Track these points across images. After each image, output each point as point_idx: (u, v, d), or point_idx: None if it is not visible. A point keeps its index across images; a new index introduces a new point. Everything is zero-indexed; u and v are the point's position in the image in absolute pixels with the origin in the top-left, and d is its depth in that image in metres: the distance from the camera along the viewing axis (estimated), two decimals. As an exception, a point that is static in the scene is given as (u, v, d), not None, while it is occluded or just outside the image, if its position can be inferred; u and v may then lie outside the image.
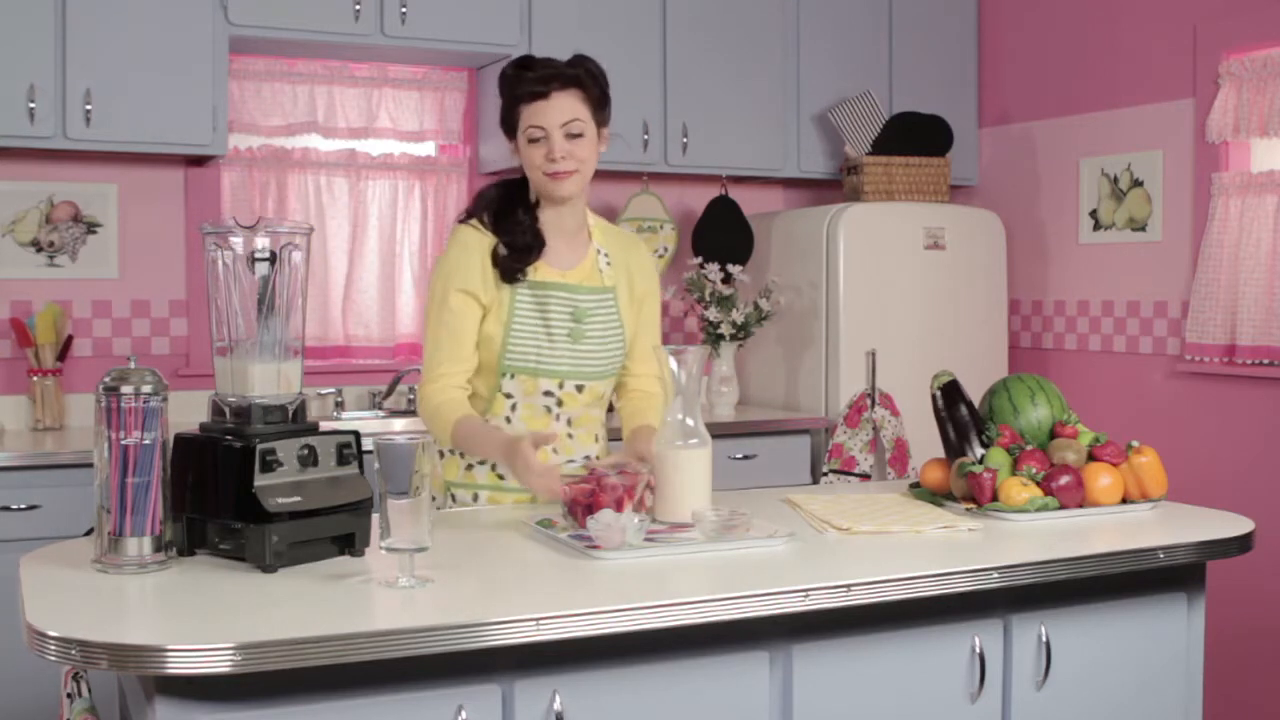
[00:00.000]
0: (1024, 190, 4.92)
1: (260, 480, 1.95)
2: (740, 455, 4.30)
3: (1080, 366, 4.70)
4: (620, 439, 2.71)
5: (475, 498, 2.61)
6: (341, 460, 2.08)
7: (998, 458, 2.49)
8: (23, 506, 3.44)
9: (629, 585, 1.92)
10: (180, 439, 2.02)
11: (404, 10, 4.08)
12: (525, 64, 2.55)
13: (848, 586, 1.95)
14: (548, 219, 2.59)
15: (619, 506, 2.23)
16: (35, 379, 3.97)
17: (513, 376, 2.55)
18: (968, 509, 2.47)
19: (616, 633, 1.80)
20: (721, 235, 4.67)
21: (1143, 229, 4.45)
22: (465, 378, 2.56)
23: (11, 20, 3.67)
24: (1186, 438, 4.23)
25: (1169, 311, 4.37)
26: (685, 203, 4.93)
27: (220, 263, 2.04)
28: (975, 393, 2.67)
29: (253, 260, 2.03)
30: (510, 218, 2.57)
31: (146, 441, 1.93)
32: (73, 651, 1.62)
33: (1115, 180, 4.55)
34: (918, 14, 4.95)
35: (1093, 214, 4.64)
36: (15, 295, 4.05)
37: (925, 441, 3.88)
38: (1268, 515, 3.62)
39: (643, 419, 2.63)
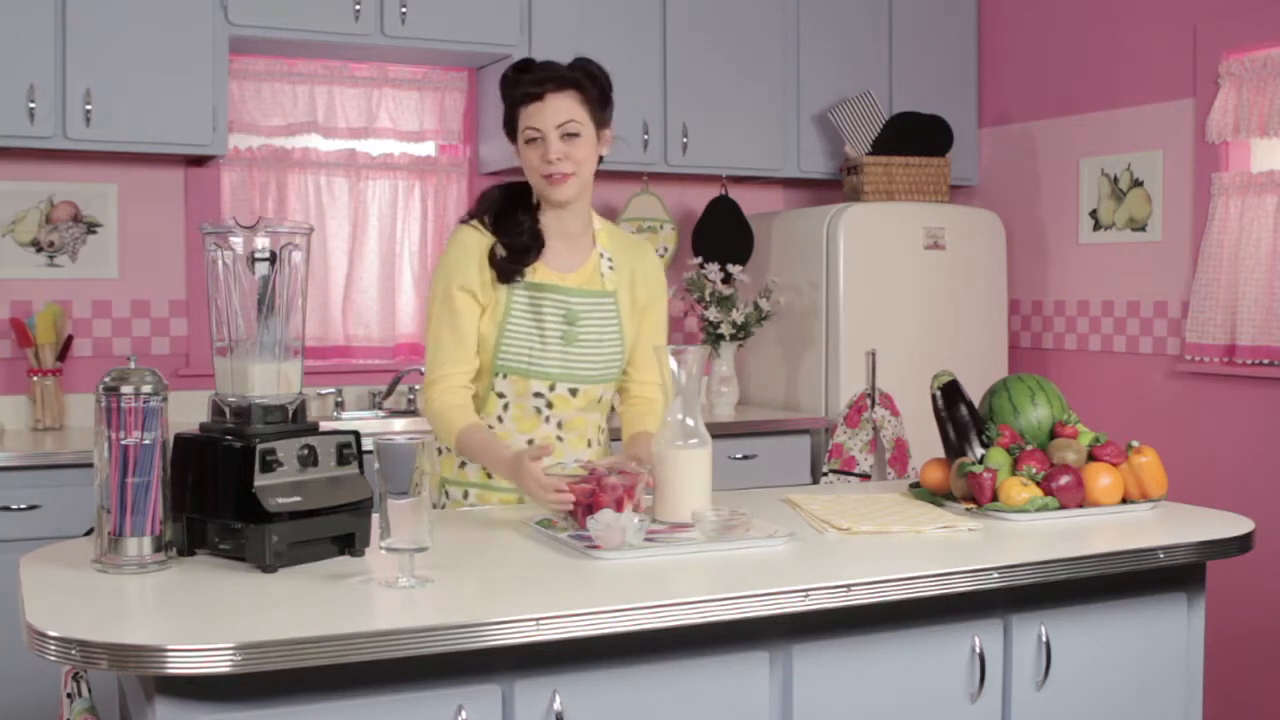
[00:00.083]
0: (1024, 190, 4.92)
1: (260, 480, 1.95)
2: (740, 455, 4.30)
3: (1080, 366, 4.70)
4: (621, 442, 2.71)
5: (465, 495, 2.63)
6: (341, 460, 2.08)
7: (998, 458, 2.49)
8: (23, 506, 3.44)
9: (629, 585, 1.92)
10: (180, 439, 2.02)
11: (404, 10, 4.08)
12: (523, 67, 2.55)
13: (848, 586, 1.95)
14: (549, 221, 2.59)
15: (619, 506, 2.23)
16: (35, 379, 3.97)
17: (505, 376, 2.56)
18: (968, 509, 2.47)
19: (616, 633, 1.80)
20: (721, 235, 4.67)
21: (1143, 229, 4.45)
22: (468, 378, 2.57)
23: (11, 20, 3.67)
24: (1186, 438, 4.23)
25: (1169, 311, 4.37)
26: (685, 203, 4.93)
27: (220, 263, 2.04)
28: (975, 393, 2.67)
29: (253, 260, 2.03)
30: (511, 219, 2.57)
31: (146, 441, 1.93)
32: (73, 651, 1.62)
33: (1115, 180, 4.55)
34: (918, 14, 4.95)
35: (1093, 214, 4.64)
36: (15, 295, 4.05)
37: (925, 441, 3.88)
38: (1268, 515, 3.62)
39: (641, 425, 2.63)
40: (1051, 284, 4.82)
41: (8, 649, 3.21)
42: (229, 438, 1.99)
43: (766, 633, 2.00)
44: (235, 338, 2.05)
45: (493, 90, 4.46)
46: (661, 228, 4.73)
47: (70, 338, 4.06)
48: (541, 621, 1.75)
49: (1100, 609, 2.28)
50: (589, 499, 2.24)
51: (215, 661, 1.59)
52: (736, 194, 4.82)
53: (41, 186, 4.07)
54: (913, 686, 2.11)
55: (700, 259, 4.62)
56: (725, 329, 4.54)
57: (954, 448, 2.60)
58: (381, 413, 4.43)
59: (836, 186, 4.92)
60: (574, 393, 2.57)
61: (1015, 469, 2.48)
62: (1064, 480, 2.44)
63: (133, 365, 1.96)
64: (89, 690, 2.04)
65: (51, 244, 4.09)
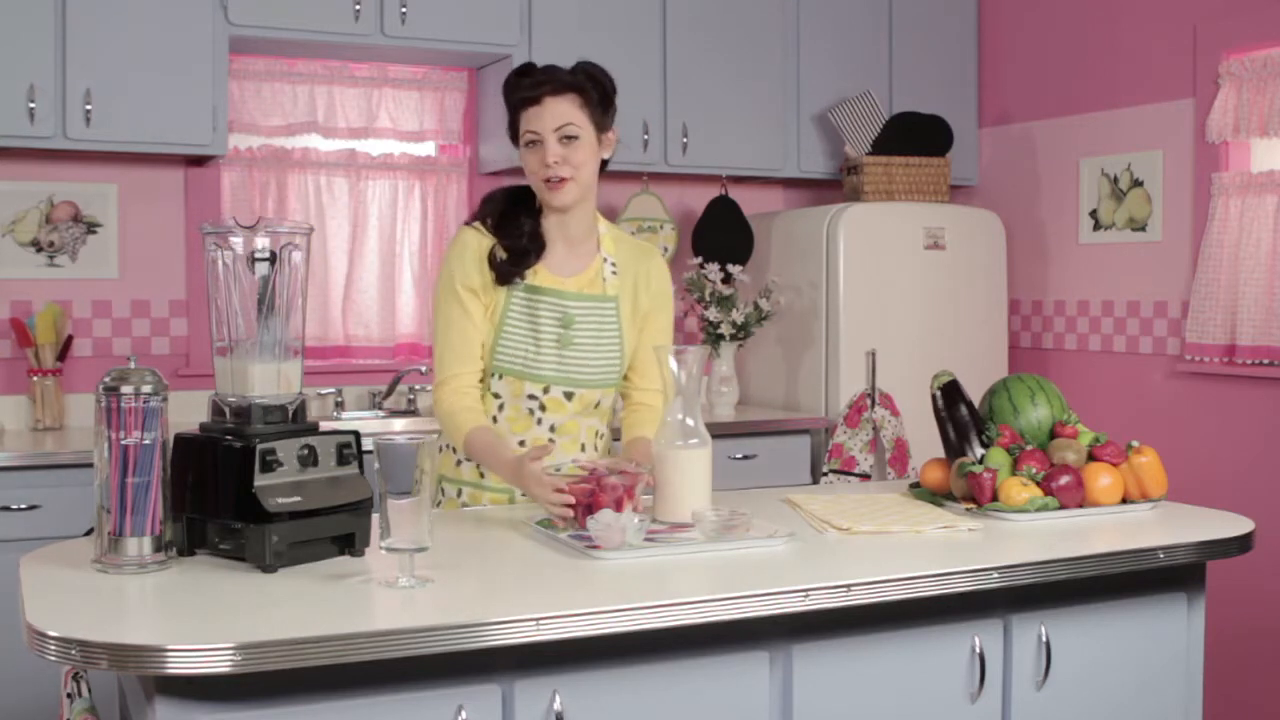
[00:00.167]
0: (1024, 190, 4.92)
1: (260, 480, 1.95)
2: (740, 455, 4.30)
3: (1080, 366, 4.70)
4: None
5: (459, 493, 2.64)
6: (341, 460, 2.08)
7: (998, 458, 2.49)
8: (23, 506, 3.44)
9: (629, 585, 1.92)
10: (180, 439, 2.02)
11: (404, 10, 4.08)
12: (523, 71, 2.56)
13: (848, 586, 1.95)
14: (551, 225, 2.60)
15: (619, 506, 2.23)
16: (35, 379, 3.97)
17: (501, 377, 2.57)
18: (968, 509, 2.47)
19: (616, 633, 1.80)
20: (721, 235, 4.67)
21: (1143, 229, 4.45)
22: (477, 378, 2.58)
23: (11, 20, 3.67)
24: (1186, 438, 4.23)
25: (1169, 311, 4.37)
26: (685, 203, 4.93)
27: (220, 263, 2.04)
28: (975, 393, 2.67)
29: (253, 260, 2.03)
30: (512, 222, 2.57)
31: (146, 441, 1.93)
32: (73, 651, 1.62)
33: (1115, 180, 4.55)
34: (918, 14, 4.95)
35: (1093, 214, 4.64)
36: (15, 295, 4.05)
37: (925, 441, 3.88)
38: (1268, 515, 3.62)
39: (640, 431, 2.63)
40: (1051, 284, 4.82)
41: (8, 649, 3.22)
42: (229, 438, 1.99)
43: (766, 633, 2.00)
44: (235, 338, 2.05)
45: (493, 90, 4.49)
46: (661, 228, 4.73)
47: (70, 338, 4.06)
48: (541, 621, 1.75)
49: (1100, 609, 2.28)
50: (589, 499, 2.25)
51: (215, 661, 1.59)
52: (736, 194, 4.82)
53: (41, 186, 4.07)
54: (913, 686, 2.11)
55: (700, 259, 4.62)
56: (725, 329, 4.54)
57: (954, 448, 2.60)
58: (381, 413, 4.43)
59: (836, 186, 4.92)
60: (569, 396, 2.57)
61: (1015, 469, 2.48)
62: (1064, 480, 2.44)
63: (133, 365, 1.96)
64: (89, 690, 2.04)
65: (51, 244, 4.09)
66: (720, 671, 1.97)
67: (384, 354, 4.56)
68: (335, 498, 2.04)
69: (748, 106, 4.66)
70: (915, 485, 2.69)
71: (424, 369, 4.43)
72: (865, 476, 4.36)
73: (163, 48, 3.83)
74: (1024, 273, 4.91)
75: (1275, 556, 3.82)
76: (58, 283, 4.10)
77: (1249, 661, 4.04)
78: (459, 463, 2.63)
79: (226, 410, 2.04)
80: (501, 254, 2.56)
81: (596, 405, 2.61)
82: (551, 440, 2.57)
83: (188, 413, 3.16)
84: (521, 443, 2.55)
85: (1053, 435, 2.60)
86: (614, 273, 2.63)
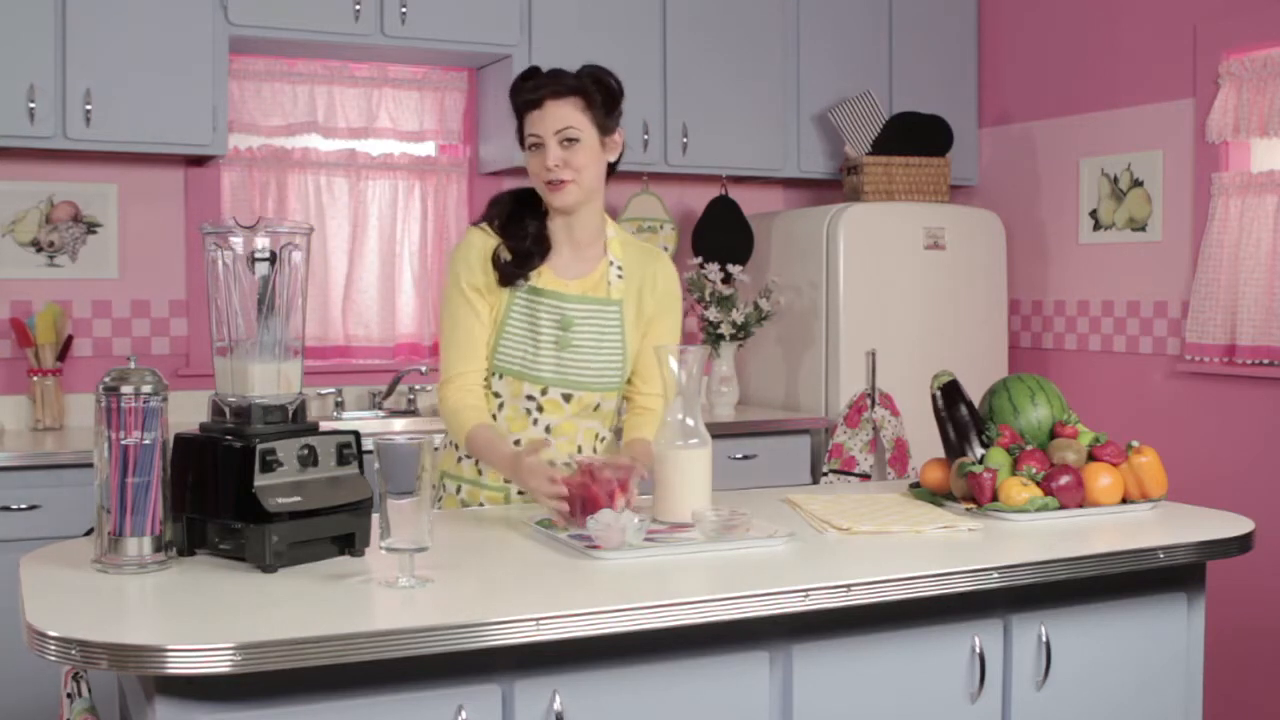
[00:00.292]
0: (1024, 190, 4.92)
1: (260, 480, 1.95)
2: (740, 455, 4.30)
3: (1080, 366, 4.70)
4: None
5: (458, 490, 2.65)
6: (341, 460, 2.08)
7: (998, 458, 2.49)
8: (23, 506, 3.44)
9: (629, 585, 1.92)
10: (180, 439, 2.02)
11: (404, 10, 4.08)
12: (527, 74, 2.57)
13: (848, 586, 1.95)
14: (557, 228, 2.61)
15: (611, 499, 2.24)
16: (35, 379, 3.97)
17: (501, 377, 2.58)
18: (968, 509, 2.47)
19: (616, 633, 1.80)
20: (721, 235, 4.67)
21: (1143, 229, 4.45)
22: (481, 376, 2.59)
23: (11, 20, 3.67)
24: (1186, 438, 4.23)
25: (1169, 311, 4.37)
26: (685, 203, 4.93)
27: (220, 263, 2.04)
28: (975, 393, 2.67)
29: (253, 260, 2.03)
30: (518, 223, 2.59)
31: (146, 441, 1.92)
32: (73, 651, 1.62)
33: (1115, 180, 4.55)
34: (918, 14, 4.95)
35: (1093, 214, 4.64)
36: (15, 295, 4.05)
37: (925, 441, 3.88)
38: (1268, 515, 3.62)
39: (640, 433, 2.64)
40: (1051, 284, 4.82)
41: (8, 649, 3.21)
42: (229, 438, 1.99)
43: (766, 633, 2.00)
44: (235, 338, 2.05)
45: (493, 90, 4.50)
46: (661, 228, 4.73)
47: (70, 338, 4.06)
48: (541, 621, 1.75)
49: (1100, 609, 2.28)
50: (582, 491, 2.25)
51: (215, 661, 1.59)
52: (736, 194, 4.82)
53: (41, 186, 4.07)
54: (913, 686, 2.11)
55: (700, 259, 4.62)
56: (725, 329, 4.54)
57: (954, 448, 2.60)
58: (381, 413, 4.43)
59: (836, 186, 4.92)
60: (567, 399, 2.57)
61: (1015, 469, 2.48)
62: (1064, 480, 2.44)
63: (133, 365, 1.96)
64: (89, 690, 2.04)
65: (51, 244, 4.09)
66: (720, 671, 1.97)
67: (384, 354, 4.56)
68: (335, 498, 2.04)
69: (748, 106, 4.66)
70: (915, 485, 2.69)
71: (424, 369, 4.43)
72: (865, 476, 4.36)
73: (163, 48, 3.83)
74: (1024, 273, 4.91)
75: (1275, 556, 3.82)
76: (58, 283, 4.10)
77: (1249, 661, 4.04)
78: (460, 460, 2.65)
79: (226, 410, 2.04)
80: (506, 255, 2.57)
81: (596, 408, 2.60)
82: (546, 442, 2.57)
83: (188, 413, 3.16)
84: (517, 442, 2.56)
85: (1053, 435, 2.60)
86: (619, 276, 2.63)
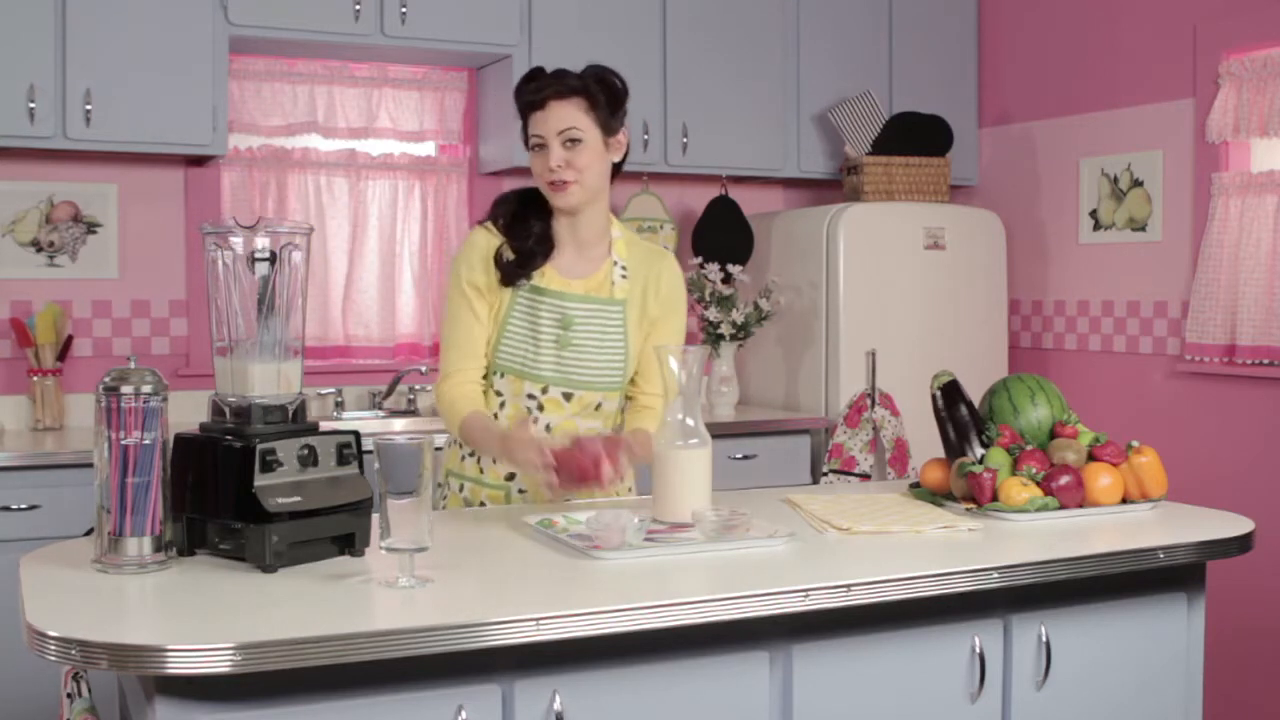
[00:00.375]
0: (1024, 190, 4.92)
1: (260, 480, 1.95)
2: (740, 455, 4.30)
3: (1080, 366, 4.70)
4: None
5: (461, 488, 2.66)
6: (341, 460, 2.08)
7: (998, 458, 2.49)
8: (23, 506, 3.44)
9: (629, 585, 1.92)
10: (180, 439, 2.02)
11: (404, 10, 4.08)
12: (531, 75, 2.58)
13: (848, 586, 1.95)
14: (561, 228, 2.62)
15: (597, 468, 2.26)
16: (35, 379, 3.97)
17: (503, 375, 2.59)
18: (968, 509, 2.47)
19: (616, 633, 1.80)
20: (721, 235, 4.67)
21: (1143, 229, 4.45)
22: (480, 374, 2.61)
23: (11, 20, 3.67)
24: (1186, 438, 4.23)
25: (1169, 311, 4.37)
26: (685, 203, 4.93)
27: (220, 263, 2.04)
28: (975, 393, 2.67)
29: (253, 260, 2.03)
30: (523, 223, 2.60)
31: (146, 441, 1.92)
32: (73, 651, 1.62)
33: (1115, 180, 4.55)
34: (918, 14, 4.95)
35: (1093, 214, 4.64)
36: (15, 295, 4.05)
37: (925, 441, 3.88)
38: (1268, 515, 3.62)
39: (640, 424, 2.64)
40: (1051, 284, 4.83)
41: (8, 649, 3.22)
42: (229, 438, 1.99)
43: (766, 633, 2.00)
44: (235, 338, 2.05)
45: (493, 90, 4.50)
46: (661, 228, 4.73)
47: (70, 338, 4.06)
48: (541, 621, 1.75)
49: (1100, 609, 2.28)
50: (568, 459, 2.29)
51: (215, 661, 1.59)
52: (736, 194, 4.82)
53: (41, 186, 4.07)
54: (913, 686, 2.11)
55: (700, 259, 4.62)
56: (725, 329, 4.54)
57: (954, 448, 2.60)
58: (381, 413, 4.43)
59: (836, 186, 4.92)
60: (568, 397, 2.57)
61: (1015, 469, 2.48)
62: (1064, 480, 2.44)
63: (133, 365, 1.96)
64: (89, 690, 2.04)
65: (51, 244, 4.09)
66: (720, 671, 1.97)
67: (384, 354, 4.56)
68: (335, 498, 2.04)
69: (748, 106, 4.66)
70: (915, 485, 2.69)
71: (424, 369, 4.43)
72: (865, 476, 4.36)
73: (163, 48, 3.83)
74: (1024, 273, 4.91)
75: (1275, 556, 3.82)
76: (58, 283, 4.10)
77: (1249, 661, 4.04)
78: (463, 458, 2.66)
79: (226, 410, 2.04)
80: (509, 255, 2.58)
81: (597, 408, 2.61)
82: (534, 416, 2.58)
83: (188, 413, 3.17)
84: None
85: (1053, 435, 2.60)
86: (623, 276, 2.63)
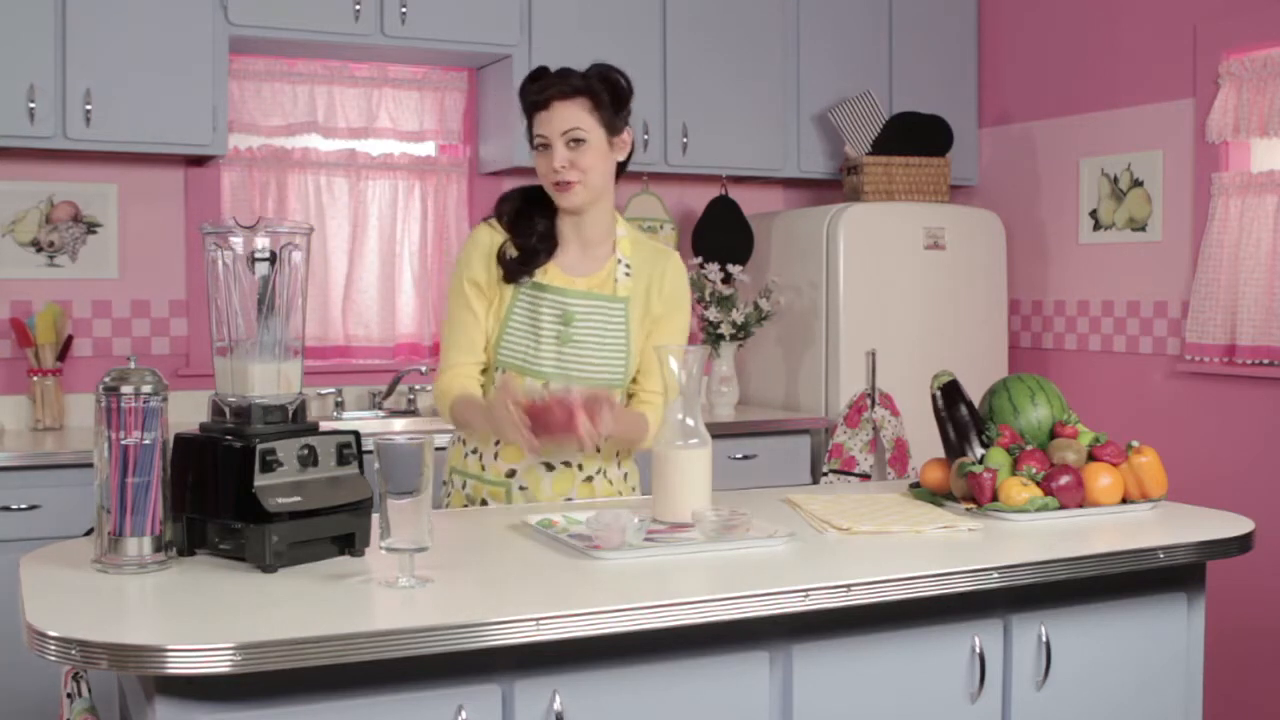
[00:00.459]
0: (1024, 190, 4.92)
1: (260, 480, 1.95)
2: (740, 455, 4.30)
3: (1080, 366, 4.70)
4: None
5: (464, 485, 2.67)
6: (341, 460, 2.08)
7: (998, 458, 2.49)
8: (23, 506, 3.44)
9: (629, 585, 1.92)
10: (180, 439, 2.02)
11: (404, 10, 4.08)
12: (535, 74, 2.59)
13: (848, 586, 1.95)
14: (567, 226, 2.63)
15: (570, 419, 2.29)
16: (35, 379, 3.97)
17: (504, 372, 2.60)
18: (968, 509, 2.47)
19: (616, 633, 1.80)
20: (721, 235, 4.67)
21: (1143, 229, 4.45)
22: (478, 368, 2.64)
23: (11, 20, 3.67)
24: (1186, 438, 4.23)
25: (1169, 311, 4.37)
26: (685, 203, 4.93)
27: (220, 263, 2.04)
28: (975, 393, 2.67)
29: (253, 260, 2.03)
30: (527, 221, 2.61)
31: (146, 441, 1.92)
32: (73, 651, 1.62)
33: (1115, 180, 4.55)
34: (918, 14, 4.95)
35: (1093, 214, 4.64)
36: (15, 295, 4.05)
37: (925, 441, 3.88)
38: (1268, 515, 3.62)
39: (638, 409, 2.66)
40: (1051, 284, 4.82)
41: (8, 649, 3.21)
42: (229, 438, 1.99)
43: (766, 633, 2.00)
44: (235, 338, 2.05)
45: (493, 90, 4.50)
46: (661, 228, 4.73)
47: (70, 338, 4.06)
48: (541, 621, 1.75)
49: (1100, 609, 2.28)
50: (543, 412, 2.32)
51: (215, 661, 1.59)
52: (736, 194, 4.82)
53: (41, 186, 4.07)
54: (913, 686, 2.11)
55: (700, 259, 4.62)
56: (725, 329, 4.54)
57: (954, 448, 2.60)
58: (381, 413, 4.43)
59: (836, 186, 4.92)
60: None
61: (1015, 469, 2.48)
62: (1064, 480, 2.44)
63: (133, 365, 1.96)
64: (89, 690, 2.04)
65: (51, 244, 4.09)
66: (720, 671, 1.97)
67: (384, 354, 4.56)
68: (335, 498, 2.04)
69: (748, 106, 4.66)
70: (915, 485, 2.69)
71: (424, 369, 4.43)
72: (865, 476, 4.36)
73: (163, 48, 3.83)
74: (1024, 273, 4.91)
75: (1275, 556, 3.82)
76: (58, 283, 4.10)
77: (1249, 661, 4.04)
78: (466, 455, 2.67)
79: (226, 410, 2.04)
80: (513, 252, 2.59)
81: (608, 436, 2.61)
82: (515, 378, 2.59)
83: (188, 413, 3.16)
84: None
85: (1053, 435, 2.60)
86: (627, 274, 2.64)
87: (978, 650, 2.15)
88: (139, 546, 1.94)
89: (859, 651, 2.07)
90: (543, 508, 2.47)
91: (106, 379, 1.93)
